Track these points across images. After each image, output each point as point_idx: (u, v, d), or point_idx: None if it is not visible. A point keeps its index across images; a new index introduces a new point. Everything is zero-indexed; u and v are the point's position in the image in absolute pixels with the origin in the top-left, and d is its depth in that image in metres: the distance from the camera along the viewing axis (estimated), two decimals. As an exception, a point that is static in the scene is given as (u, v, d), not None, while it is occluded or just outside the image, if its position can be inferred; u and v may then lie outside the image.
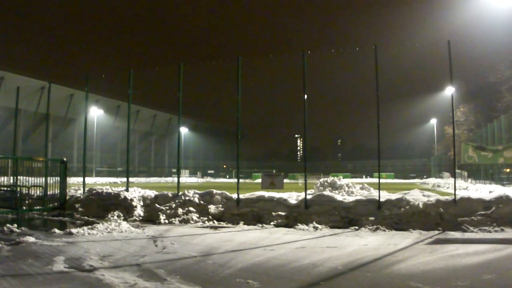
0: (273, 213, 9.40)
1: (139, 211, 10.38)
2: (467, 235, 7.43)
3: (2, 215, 10.40)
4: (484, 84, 37.36)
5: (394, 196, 10.12)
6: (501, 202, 8.48)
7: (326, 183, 16.60)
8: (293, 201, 9.99)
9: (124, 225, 8.50)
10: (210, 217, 9.67)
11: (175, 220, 9.45)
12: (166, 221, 9.51)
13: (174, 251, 6.17)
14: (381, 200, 9.36)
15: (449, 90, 12.18)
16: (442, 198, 9.33)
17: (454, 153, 11.50)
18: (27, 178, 11.83)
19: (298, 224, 8.75)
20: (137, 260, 5.53)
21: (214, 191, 10.68)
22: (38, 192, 11.88)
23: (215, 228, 8.76)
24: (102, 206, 10.94)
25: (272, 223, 9.08)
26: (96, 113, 49.64)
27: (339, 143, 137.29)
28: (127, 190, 11.74)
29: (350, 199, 10.01)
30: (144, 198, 11.07)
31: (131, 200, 10.74)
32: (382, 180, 12.64)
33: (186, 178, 51.26)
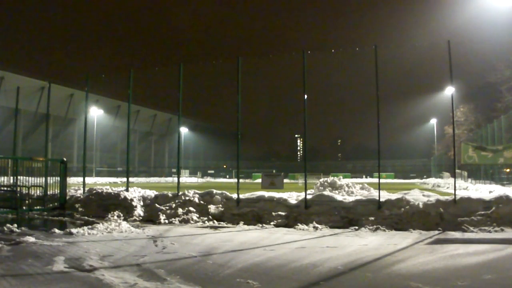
0: (273, 213, 9.40)
1: (139, 211, 10.39)
2: (467, 235, 7.43)
3: (2, 215, 10.41)
4: (484, 84, 37.34)
5: (394, 196, 10.11)
6: (501, 202, 8.47)
7: (326, 183, 16.62)
8: (293, 201, 9.98)
9: (124, 225, 8.51)
10: (210, 217, 9.68)
11: (175, 220, 9.46)
12: (166, 221, 9.51)
13: (174, 251, 6.17)
14: (381, 200, 9.36)
15: (449, 90, 12.16)
16: (442, 198, 9.32)
17: (454, 153, 11.51)
18: (27, 178, 11.82)
19: (298, 224, 8.75)
20: (137, 260, 5.53)
21: (214, 191, 10.67)
22: (38, 192, 11.88)
23: (215, 228, 8.76)
24: (102, 206, 10.94)
25: (272, 223, 9.08)
26: (96, 113, 49.66)
27: (339, 143, 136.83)
28: (127, 190, 11.74)
29: (350, 199, 10.00)
30: (144, 198, 11.07)
31: (131, 200, 10.74)
32: (382, 180, 12.62)
33: (186, 178, 51.23)
